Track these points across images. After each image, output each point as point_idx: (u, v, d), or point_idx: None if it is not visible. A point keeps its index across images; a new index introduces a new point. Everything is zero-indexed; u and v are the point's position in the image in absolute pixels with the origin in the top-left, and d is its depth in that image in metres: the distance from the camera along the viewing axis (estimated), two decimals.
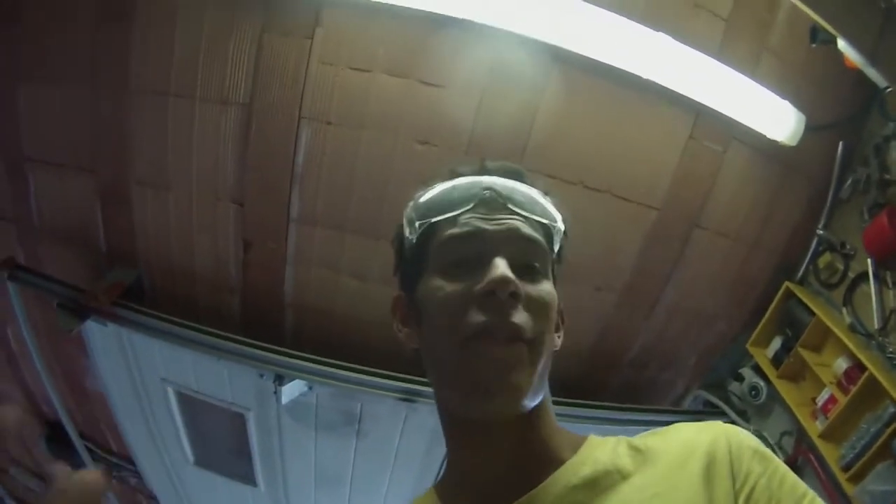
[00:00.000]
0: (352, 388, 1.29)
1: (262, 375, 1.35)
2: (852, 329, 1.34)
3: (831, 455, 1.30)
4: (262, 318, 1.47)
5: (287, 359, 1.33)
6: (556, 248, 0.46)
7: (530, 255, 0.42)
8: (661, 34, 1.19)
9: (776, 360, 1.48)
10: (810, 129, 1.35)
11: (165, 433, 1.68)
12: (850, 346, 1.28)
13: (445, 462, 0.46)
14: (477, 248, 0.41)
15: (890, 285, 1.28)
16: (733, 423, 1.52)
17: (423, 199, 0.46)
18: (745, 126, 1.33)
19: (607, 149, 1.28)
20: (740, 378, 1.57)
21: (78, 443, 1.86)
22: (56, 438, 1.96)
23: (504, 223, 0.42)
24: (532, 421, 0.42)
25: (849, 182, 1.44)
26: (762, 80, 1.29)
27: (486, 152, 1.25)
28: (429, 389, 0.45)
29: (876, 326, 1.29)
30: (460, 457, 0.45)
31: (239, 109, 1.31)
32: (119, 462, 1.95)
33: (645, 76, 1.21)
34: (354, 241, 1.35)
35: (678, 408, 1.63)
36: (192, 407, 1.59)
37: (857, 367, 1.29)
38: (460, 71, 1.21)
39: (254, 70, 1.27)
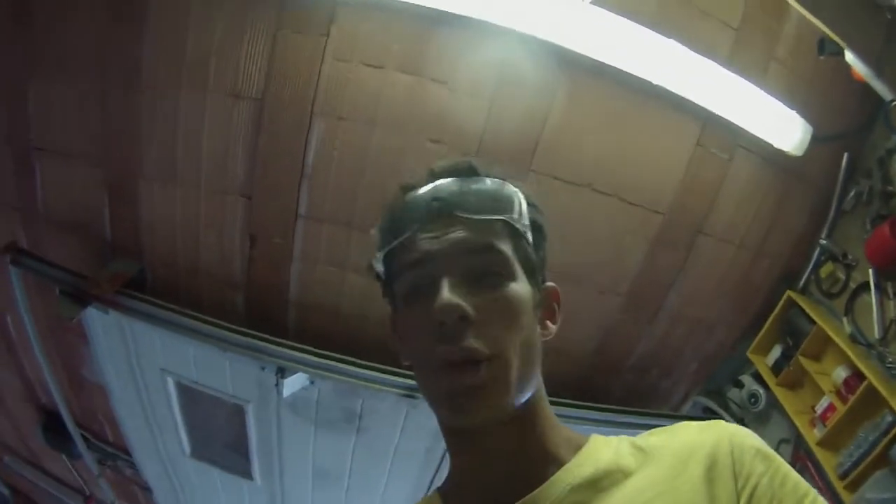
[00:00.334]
0: (354, 382, 1.29)
1: (263, 368, 1.35)
2: (852, 339, 1.35)
3: (829, 463, 1.31)
4: (265, 313, 1.47)
5: (290, 351, 1.33)
6: (528, 232, 0.44)
7: (485, 264, 0.41)
8: (671, 41, 1.21)
9: (776, 368, 1.49)
10: (816, 140, 1.37)
11: (163, 424, 1.67)
12: (851, 355, 1.29)
13: (449, 467, 0.46)
14: (428, 272, 0.41)
15: (891, 296, 1.30)
16: None
17: (379, 226, 0.46)
18: (752, 135, 1.34)
19: (616, 153, 1.29)
20: (740, 385, 1.58)
21: (74, 432, 1.85)
22: (52, 427, 1.95)
23: (451, 237, 0.41)
24: (526, 421, 0.42)
25: (852, 193, 1.46)
26: (770, 89, 1.31)
27: (496, 152, 1.27)
28: None
29: (876, 336, 1.30)
30: (460, 460, 0.45)
31: (251, 104, 1.31)
32: (115, 452, 1.94)
33: (655, 82, 1.22)
34: (362, 239, 1.36)
35: (677, 413, 1.64)
36: (191, 398, 1.59)
37: (857, 376, 1.30)
38: (473, 70, 1.22)
39: (267, 65, 1.28)
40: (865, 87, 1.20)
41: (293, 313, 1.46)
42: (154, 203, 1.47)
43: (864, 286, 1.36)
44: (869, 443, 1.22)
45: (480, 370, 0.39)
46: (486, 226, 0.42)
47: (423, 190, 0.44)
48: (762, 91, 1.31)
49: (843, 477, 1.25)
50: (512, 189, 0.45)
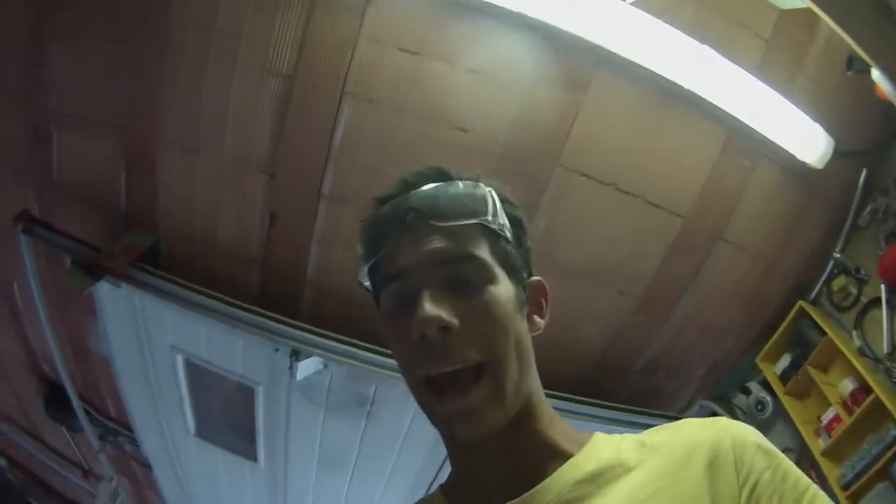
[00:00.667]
0: (369, 368, 1.29)
1: (277, 349, 1.34)
2: (861, 352, 1.37)
3: (832, 473, 1.33)
4: (280, 293, 1.46)
5: (305, 334, 1.32)
6: (505, 230, 0.45)
7: (463, 272, 0.41)
8: (705, 47, 1.22)
9: (784, 377, 1.50)
10: (837, 154, 1.39)
11: (168, 401, 1.66)
12: (859, 368, 1.31)
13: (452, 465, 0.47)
14: (407, 286, 0.42)
15: None
16: None
17: (360, 242, 0.46)
18: (776, 145, 1.36)
19: (642, 154, 1.30)
20: (747, 391, 1.59)
21: (77, 404, 1.83)
22: (54, 400, 1.92)
23: (427, 249, 0.42)
24: (525, 420, 0.43)
25: (868, 209, 1.48)
26: (796, 101, 1.32)
27: (524, 147, 1.27)
28: None
29: (885, 351, 1.32)
30: (460, 461, 0.45)
31: (281, 80, 1.30)
32: (116, 428, 1.92)
33: (687, 86, 1.23)
34: None
35: (682, 416, 1.65)
36: (200, 377, 1.58)
37: (864, 389, 1.32)
38: (507, 63, 1.22)
39: (300, 42, 1.27)
40: (888, 106, 1.22)
41: (309, 295, 1.45)
42: (173, 175, 1.45)
43: (876, 301, 1.38)
44: (872, 456, 1.24)
45: (471, 390, 0.39)
46: (462, 231, 0.43)
47: (397, 201, 0.45)
48: (788, 102, 1.32)
49: (845, 488, 1.27)
50: (485, 189, 0.45)
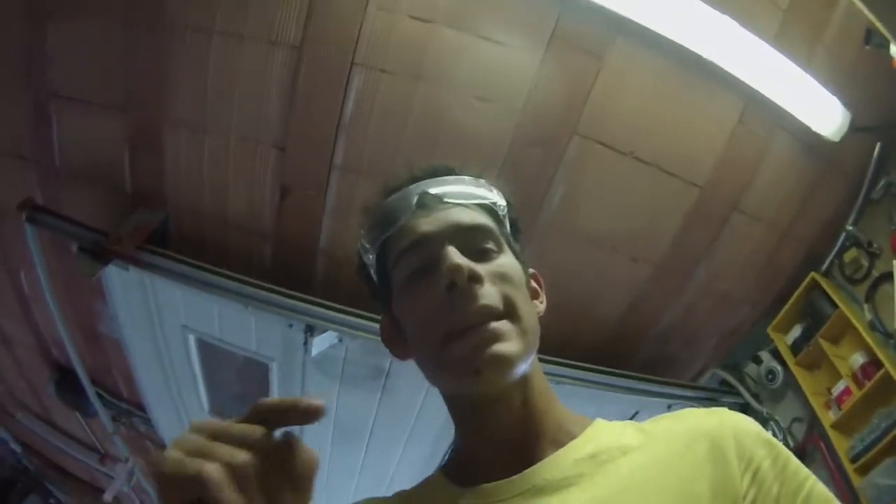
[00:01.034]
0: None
1: (291, 325, 1.34)
2: (871, 326, 1.37)
3: (841, 445, 1.34)
4: (293, 266, 1.45)
5: (319, 309, 1.32)
6: (507, 222, 0.47)
7: (479, 240, 0.43)
8: (725, 17, 1.19)
9: (795, 347, 1.51)
10: (853, 128, 1.37)
11: (182, 380, 1.66)
12: (870, 342, 1.32)
13: (451, 446, 0.47)
14: (426, 253, 0.42)
15: None
16: (747, 403, 1.56)
17: (367, 225, 0.47)
18: (793, 116, 1.34)
19: (660, 123, 1.29)
20: (758, 361, 1.60)
21: (89, 387, 1.84)
22: (66, 384, 1.93)
23: (443, 219, 0.44)
24: (528, 394, 0.43)
25: (882, 183, 1.47)
26: (813, 73, 1.30)
27: (542, 116, 1.25)
28: None
29: None
30: (465, 438, 0.46)
31: (288, 51, 1.28)
32: (129, 408, 1.94)
33: (706, 56, 1.21)
34: None
35: (694, 384, 1.66)
36: (213, 355, 1.58)
37: (874, 363, 1.33)
38: (523, 30, 1.19)
39: (307, 12, 1.24)
40: None
41: (322, 267, 1.45)
42: (180, 151, 1.43)
43: (887, 276, 1.38)
44: (881, 429, 1.25)
45: (492, 324, 0.39)
46: (474, 209, 0.45)
47: (407, 188, 0.46)
48: (806, 74, 1.30)
49: (854, 460, 1.29)
50: (490, 184, 0.49)
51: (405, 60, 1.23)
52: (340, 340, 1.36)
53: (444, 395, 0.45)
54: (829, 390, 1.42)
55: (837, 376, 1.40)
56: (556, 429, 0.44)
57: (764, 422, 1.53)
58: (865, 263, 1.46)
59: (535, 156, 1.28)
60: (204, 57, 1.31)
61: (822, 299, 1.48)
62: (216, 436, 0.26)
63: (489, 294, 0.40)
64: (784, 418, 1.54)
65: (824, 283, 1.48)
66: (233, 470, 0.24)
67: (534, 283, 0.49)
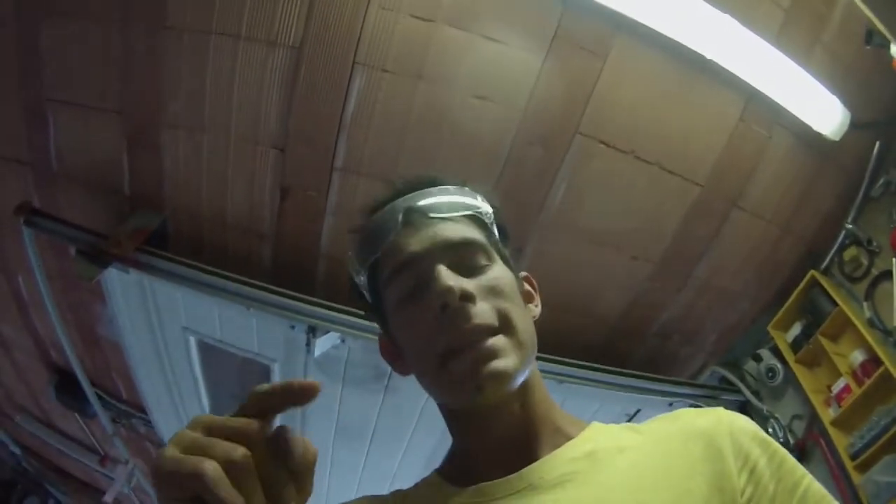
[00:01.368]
0: None
1: (293, 327, 1.34)
2: (871, 324, 1.38)
3: (841, 442, 1.35)
4: (294, 267, 1.45)
5: (321, 310, 1.31)
6: (495, 229, 0.47)
7: (468, 255, 0.43)
8: (727, 16, 1.19)
9: (795, 345, 1.52)
10: (853, 126, 1.38)
11: (182, 382, 1.66)
12: (869, 340, 1.33)
13: (449, 450, 0.47)
14: (417, 274, 0.42)
15: None
16: (747, 401, 1.57)
17: (356, 247, 0.47)
18: (793, 115, 1.35)
19: (661, 122, 1.29)
20: (758, 358, 1.61)
21: (89, 390, 1.83)
22: (65, 387, 1.92)
23: (430, 237, 0.43)
24: (527, 401, 0.44)
25: (881, 182, 1.48)
26: (814, 72, 1.31)
27: (543, 115, 1.25)
28: None
29: (895, 324, 1.33)
30: (463, 442, 0.46)
31: (288, 52, 1.27)
32: (129, 410, 1.93)
33: (708, 55, 1.21)
34: None
35: (694, 381, 1.67)
36: (213, 357, 1.58)
37: (874, 360, 1.34)
38: (525, 29, 1.19)
39: (307, 11, 1.23)
40: None
41: (323, 268, 1.44)
42: (178, 153, 1.42)
43: (886, 274, 1.39)
44: (881, 427, 1.26)
45: (489, 340, 0.40)
46: (461, 222, 0.45)
47: (392, 205, 0.46)
48: (806, 73, 1.31)
49: (853, 457, 1.30)
50: (474, 191, 0.48)
51: (406, 60, 1.22)
52: (343, 341, 1.36)
53: (439, 404, 0.46)
54: (828, 388, 1.43)
55: (837, 374, 1.41)
56: (554, 431, 0.44)
57: (764, 419, 1.54)
58: (865, 261, 1.46)
59: (536, 155, 1.28)
60: (202, 57, 1.30)
61: (821, 297, 1.48)
62: (213, 431, 0.26)
63: (482, 312, 0.40)
64: (784, 416, 1.55)
65: (824, 281, 1.49)
66: (231, 465, 0.24)
67: (527, 286, 0.49)
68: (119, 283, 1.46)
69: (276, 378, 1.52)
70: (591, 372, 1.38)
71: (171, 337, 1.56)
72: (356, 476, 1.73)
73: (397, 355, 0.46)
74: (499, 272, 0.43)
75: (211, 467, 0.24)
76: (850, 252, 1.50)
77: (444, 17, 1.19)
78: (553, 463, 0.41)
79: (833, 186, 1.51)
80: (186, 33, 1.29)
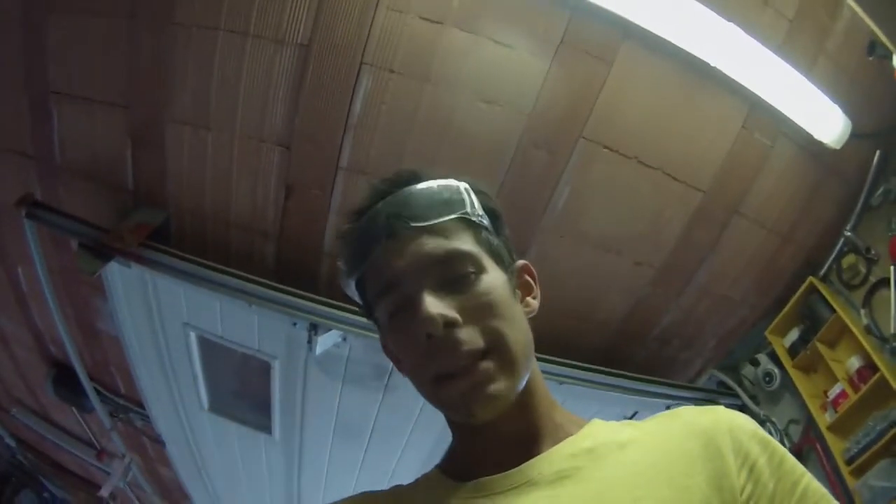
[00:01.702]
0: None
1: (295, 324, 1.34)
2: (868, 330, 1.40)
3: (836, 447, 1.36)
4: (297, 266, 1.45)
5: (323, 307, 1.31)
6: (485, 220, 0.45)
7: (454, 268, 0.42)
8: (731, 24, 1.20)
9: (792, 350, 1.53)
10: (854, 136, 1.39)
11: (182, 377, 1.66)
12: (866, 346, 1.34)
13: (450, 446, 0.48)
14: (402, 292, 0.42)
15: None
16: (744, 405, 1.58)
17: (342, 257, 0.46)
18: (795, 123, 1.36)
19: (665, 128, 1.30)
20: (756, 363, 1.62)
21: (87, 384, 1.82)
22: (63, 380, 1.92)
23: (415, 251, 0.42)
24: (527, 401, 0.44)
25: (880, 190, 1.49)
26: (816, 81, 1.32)
27: (549, 119, 1.26)
28: None
29: (892, 331, 1.35)
30: (463, 439, 0.46)
31: (296, 50, 1.27)
32: (126, 404, 1.93)
33: (712, 63, 1.22)
34: None
35: (693, 385, 1.69)
36: (214, 353, 1.58)
37: (870, 367, 1.35)
38: (533, 34, 1.20)
39: (316, 11, 1.23)
40: None
41: (326, 266, 1.44)
42: (183, 150, 1.42)
43: (884, 282, 1.41)
44: (877, 432, 1.27)
45: (481, 365, 0.39)
46: (444, 227, 0.43)
47: (374, 209, 0.44)
48: (809, 82, 1.32)
49: (849, 462, 1.31)
50: (458, 184, 0.46)
51: (414, 61, 1.22)
52: (344, 339, 1.36)
53: (444, 414, 0.46)
54: (825, 393, 1.45)
55: (834, 379, 1.43)
56: (554, 428, 0.44)
57: (761, 423, 1.54)
58: (863, 269, 1.48)
59: (540, 159, 1.28)
60: (209, 54, 1.30)
61: (819, 303, 1.50)
62: None
63: (468, 338, 0.40)
64: (781, 420, 1.57)
65: (822, 288, 1.50)
66: None
67: (526, 277, 0.48)
68: (120, 277, 1.45)
69: (277, 375, 1.52)
70: (590, 374, 1.39)
71: (171, 332, 1.56)
72: (354, 474, 1.74)
73: (398, 358, 0.46)
74: (488, 281, 0.42)
75: None
76: (849, 259, 1.52)
77: (452, 19, 1.19)
78: (552, 459, 0.42)
79: (833, 194, 1.52)
80: (194, 29, 1.29)
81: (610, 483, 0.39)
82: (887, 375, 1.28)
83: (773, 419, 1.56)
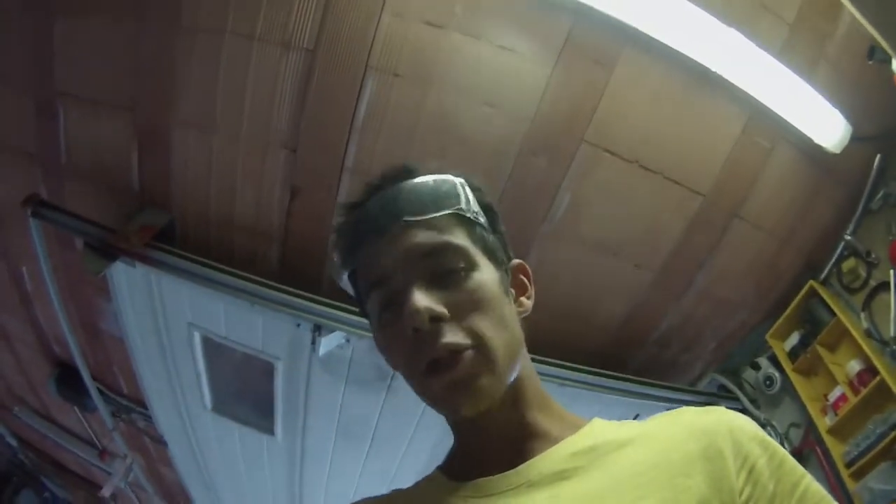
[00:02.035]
0: None
1: (299, 325, 1.35)
2: (868, 334, 1.40)
3: (836, 450, 1.37)
4: (301, 267, 1.46)
5: (327, 309, 1.32)
6: (479, 217, 0.45)
7: (445, 262, 0.42)
8: (732, 30, 1.22)
9: (793, 354, 1.54)
10: (854, 140, 1.41)
11: (185, 378, 1.67)
12: (866, 349, 1.35)
13: (451, 447, 0.48)
14: (391, 287, 0.42)
15: None
16: (745, 408, 1.59)
17: (335, 256, 0.46)
18: (795, 128, 1.37)
19: (665, 132, 1.31)
20: (756, 366, 1.62)
21: (90, 383, 1.83)
22: (65, 380, 1.93)
23: (406, 245, 0.42)
24: (519, 399, 0.44)
25: (880, 194, 1.50)
26: (816, 85, 1.33)
27: (551, 123, 1.27)
28: None
29: (892, 335, 1.35)
30: (462, 439, 0.47)
31: (302, 54, 1.29)
32: (129, 404, 1.93)
33: (713, 68, 1.23)
34: None
35: (694, 388, 1.69)
36: (217, 353, 1.58)
37: (870, 370, 1.36)
38: (536, 39, 1.21)
39: (322, 15, 1.25)
40: None
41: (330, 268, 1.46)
42: (188, 152, 1.44)
43: (884, 285, 1.41)
44: (876, 435, 1.28)
45: (462, 361, 0.40)
46: (438, 222, 0.43)
47: (368, 203, 0.44)
48: (809, 87, 1.33)
49: (849, 465, 1.31)
50: (454, 179, 0.45)
51: (418, 65, 1.24)
52: (348, 340, 1.37)
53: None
54: (825, 396, 1.45)
55: (834, 383, 1.43)
56: (552, 427, 0.44)
57: (761, 427, 1.55)
58: (863, 273, 1.49)
59: (542, 163, 1.30)
60: (215, 57, 1.32)
61: (820, 307, 1.51)
62: None
63: (453, 333, 0.40)
64: (781, 423, 1.57)
65: (822, 292, 1.51)
66: None
67: (521, 276, 0.48)
68: (125, 277, 1.47)
69: (280, 376, 1.53)
70: (591, 377, 1.40)
71: (175, 332, 1.57)
72: (356, 475, 1.74)
73: (389, 353, 0.46)
74: (478, 278, 0.42)
75: None
76: (849, 263, 1.52)
77: (456, 24, 1.21)
78: (552, 458, 0.42)
79: (833, 198, 1.53)
80: (201, 32, 1.31)
81: (610, 483, 0.39)
82: (887, 379, 1.28)
83: (774, 423, 1.57)
